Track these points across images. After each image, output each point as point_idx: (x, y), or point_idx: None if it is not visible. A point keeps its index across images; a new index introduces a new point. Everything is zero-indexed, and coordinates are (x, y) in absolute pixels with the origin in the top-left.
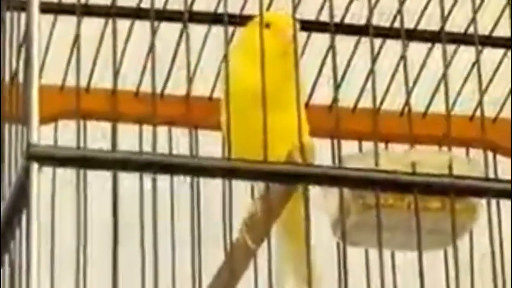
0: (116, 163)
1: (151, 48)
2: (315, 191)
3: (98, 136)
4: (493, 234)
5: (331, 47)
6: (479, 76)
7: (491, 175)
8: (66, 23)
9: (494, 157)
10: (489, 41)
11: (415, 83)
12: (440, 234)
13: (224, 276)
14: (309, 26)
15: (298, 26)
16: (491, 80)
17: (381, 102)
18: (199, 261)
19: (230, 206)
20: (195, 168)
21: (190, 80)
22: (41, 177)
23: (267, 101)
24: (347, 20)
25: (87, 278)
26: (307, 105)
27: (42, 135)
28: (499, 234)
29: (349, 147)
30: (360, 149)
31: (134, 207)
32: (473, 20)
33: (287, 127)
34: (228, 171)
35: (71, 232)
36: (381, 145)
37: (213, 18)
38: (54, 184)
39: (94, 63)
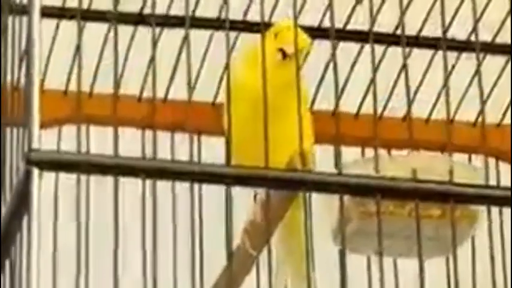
0: (116, 168)
1: (153, 54)
2: (316, 197)
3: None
4: (493, 241)
5: (333, 54)
6: (480, 83)
7: (494, 182)
8: (71, 27)
9: (497, 164)
10: (489, 48)
11: (417, 89)
12: (440, 241)
13: (225, 282)
14: (311, 33)
15: (307, 38)
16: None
17: (384, 108)
18: (200, 267)
19: (231, 212)
20: (196, 174)
21: (189, 85)
22: (44, 181)
23: (269, 109)
24: (350, 27)
25: (89, 282)
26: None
27: (49, 140)
28: (501, 241)
29: (353, 153)
30: (363, 155)
31: (135, 211)
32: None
33: (289, 134)
34: (228, 178)
35: (72, 237)
36: (384, 151)
37: (216, 25)
38: (57, 188)
39: (97, 68)
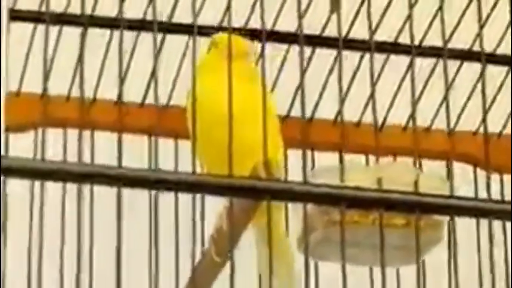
0: (76, 175)
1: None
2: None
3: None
4: (456, 252)
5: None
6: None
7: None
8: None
9: (475, 171)
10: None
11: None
12: (406, 250)
13: None
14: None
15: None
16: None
17: (361, 116)
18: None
19: (197, 219)
20: (157, 182)
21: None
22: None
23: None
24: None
25: None
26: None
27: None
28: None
29: (331, 159)
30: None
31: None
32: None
33: (256, 142)
34: (192, 186)
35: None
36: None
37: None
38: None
39: (75, 73)
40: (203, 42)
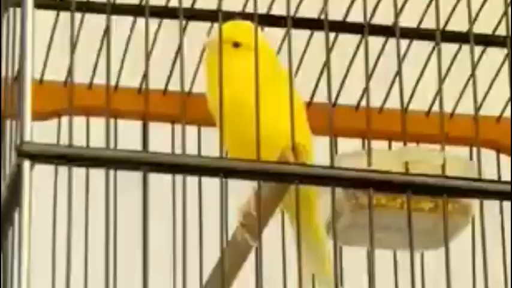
0: (107, 161)
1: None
2: None
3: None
4: (485, 235)
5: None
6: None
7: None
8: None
9: (498, 157)
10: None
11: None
12: (433, 234)
13: (221, 274)
14: (336, 27)
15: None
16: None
17: (384, 101)
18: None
19: (226, 204)
20: (189, 167)
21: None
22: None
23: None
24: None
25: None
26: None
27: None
28: (502, 235)
29: (355, 146)
30: (363, 148)
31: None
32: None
33: (282, 126)
34: (221, 170)
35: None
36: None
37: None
38: (56, 180)
39: (97, 61)
40: None
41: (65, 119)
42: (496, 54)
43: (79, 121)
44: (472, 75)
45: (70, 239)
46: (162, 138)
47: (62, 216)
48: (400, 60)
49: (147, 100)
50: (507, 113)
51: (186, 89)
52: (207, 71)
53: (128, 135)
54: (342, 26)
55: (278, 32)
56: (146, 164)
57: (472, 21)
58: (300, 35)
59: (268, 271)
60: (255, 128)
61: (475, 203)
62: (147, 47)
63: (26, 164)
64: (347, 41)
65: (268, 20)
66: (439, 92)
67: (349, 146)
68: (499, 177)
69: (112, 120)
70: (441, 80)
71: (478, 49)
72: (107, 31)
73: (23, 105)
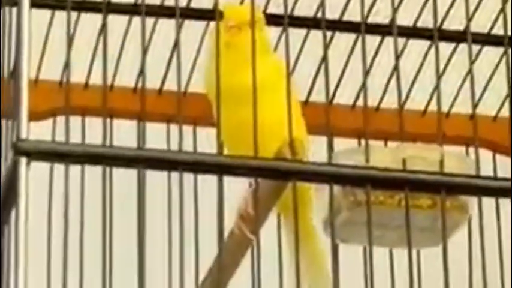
0: (103, 158)
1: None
2: None
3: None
4: (483, 233)
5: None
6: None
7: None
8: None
9: (494, 157)
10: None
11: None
12: (431, 232)
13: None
14: (333, 25)
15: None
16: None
17: (380, 100)
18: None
19: (222, 200)
20: (186, 164)
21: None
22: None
23: (246, 98)
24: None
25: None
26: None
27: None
28: (497, 232)
29: (349, 144)
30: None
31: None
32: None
33: (278, 121)
34: (217, 167)
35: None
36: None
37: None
38: (52, 177)
39: (92, 60)
40: None
41: (61, 119)
42: (494, 53)
43: (74, 121)
44: (470, 72)
45: (67, 236)
46: (158, 138)
47: (58, 214)
48: (398, 59)
49: (143, 99)
50: (503, 113)
51: (182, 88)
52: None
53: (125, 135)
54: (339, 25)
55: (275, 31)
56: (142, 160)
57: (468, 20)
58: (297, 34)
59: (264, 271)
60: (253, 117)
61: (473, 200)
62: (144, 46)
63: (22, 161)
64: (344, 40)
65: (264, 19)
66: (436, 88)
67: (345, 145)
68: (495, 176)
69: (108, 120)
70: (439, 78)
71: (475, 48)
72: (102, 30)
73: (19, 103)
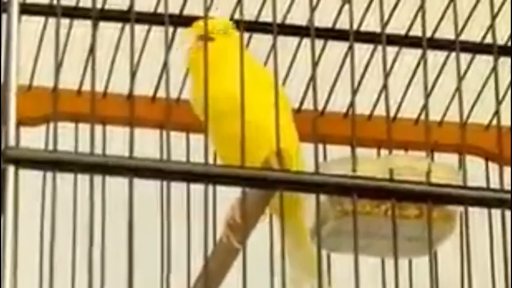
0: (90, 166)
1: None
2: None
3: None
4: (469, 242)
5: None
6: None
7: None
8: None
9: (487, 165)
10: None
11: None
12: (419, 241)
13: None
14: (325, 34)
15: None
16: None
17: (373, 108)
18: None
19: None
20: (170, 172)
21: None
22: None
23: (229, 108)
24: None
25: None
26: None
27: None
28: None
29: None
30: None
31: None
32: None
33: (266, 130)
34: (205, 176)
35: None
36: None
37: None
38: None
39: (86, 66)
40: None
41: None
42: (484, 62)
43: (69, 127)
44: (459, 81)
45: (53, 245)
46: (151, 145)
47: (47, 222)
48: (387, 68)
49: (132, 106)
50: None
51: (174, 95)
52: (192, 71)
53: (117, 142)
54: (331, 33)
55: (266, 39)
56: (131, 169)
57: (457, 30)
58: (287, 42)
59: (255, 273)
60: (241, 127)
61: (460, 209)
62: (133, 53)
63: (11, 169)
64: (335, 49)
65: (255, 27)
66: (426, 98)
67: (339, 153)
68: (488, 184)
69: (100, 127)
70: (426, 88)
71: (466, 57)
72: (93, 37)
73: (7, 110)
